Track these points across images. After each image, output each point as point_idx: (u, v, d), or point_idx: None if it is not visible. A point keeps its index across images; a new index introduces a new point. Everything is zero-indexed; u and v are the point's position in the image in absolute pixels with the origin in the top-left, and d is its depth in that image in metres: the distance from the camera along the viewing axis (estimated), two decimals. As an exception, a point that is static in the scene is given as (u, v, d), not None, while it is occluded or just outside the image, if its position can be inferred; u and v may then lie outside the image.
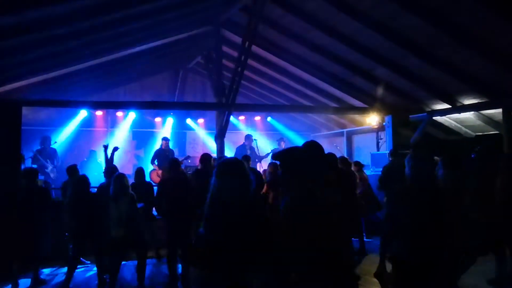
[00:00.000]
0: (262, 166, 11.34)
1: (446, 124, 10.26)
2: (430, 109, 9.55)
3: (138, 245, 5.93)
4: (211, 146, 13.50)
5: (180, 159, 8.83)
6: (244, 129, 14.63)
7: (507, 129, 7.95)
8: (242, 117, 14.54)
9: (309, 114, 14.08)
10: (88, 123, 12.80)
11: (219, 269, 2.73)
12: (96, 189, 6.79)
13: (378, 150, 11.92)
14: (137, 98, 13.01)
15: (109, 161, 7.46)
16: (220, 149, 9.60)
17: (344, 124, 13.77)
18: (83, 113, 12.30)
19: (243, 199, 2.81)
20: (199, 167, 7.65)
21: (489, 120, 9.24)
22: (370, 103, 10.25)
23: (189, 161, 11.12)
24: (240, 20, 9.18)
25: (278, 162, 3.32)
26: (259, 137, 13.27)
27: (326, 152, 3.82)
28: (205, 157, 7.19)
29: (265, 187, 7.73)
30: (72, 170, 7.17)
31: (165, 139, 11.21)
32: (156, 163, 10.96)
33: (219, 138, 9.65)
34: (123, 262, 6.22)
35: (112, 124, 13.21)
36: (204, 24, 9.59)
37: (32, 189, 6.25)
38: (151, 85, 13.60)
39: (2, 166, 6.90)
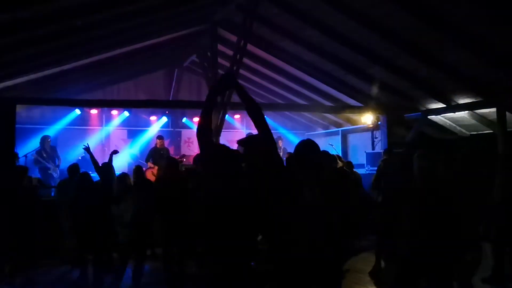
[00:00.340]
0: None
1: (441, 123, 10.28)
2: (425, 108, 9.58)
3: (137, 245, 5.90)
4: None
5: (176, 158, 8.80)
6: (240, 128, 14.65)
7: (501, 129, 7.99)
8: (237, 116, 14.54)
9: (305, 113, 14.09)
10: (82, 122, 12.75)
11: None
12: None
13: (373, 149, 11.95)
14: (132, 97, 12.98)
15: (95, 161, 7.31)
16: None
17: (339, 123, 13.79)
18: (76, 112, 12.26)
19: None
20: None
21: (483, 120, 9.27)
22: (365, 102, 10.27)
23: (184, 159, 11.09)
24: (235, 19, 9.17)
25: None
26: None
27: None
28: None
29: None
30: (73, 169, 7.14)
31: (159, 137, 11.18)
32: (151, 162, 10.92)
33: (215, 137, 9.62)
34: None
35: (106, 122, 13.17)
36: (199, 22, 9.58)
37: (19, 188, 6.20)
38: (146, 83, 13.55)
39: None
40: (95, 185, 6.26)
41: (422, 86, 8.66)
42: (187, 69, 13.63)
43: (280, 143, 12.01)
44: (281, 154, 11.30)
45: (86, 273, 5.99)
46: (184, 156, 11.04)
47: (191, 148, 13.72)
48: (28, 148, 10.71)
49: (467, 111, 9.01)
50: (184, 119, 13.88)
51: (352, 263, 6.25)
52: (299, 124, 15.22)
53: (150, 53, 10.74)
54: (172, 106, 12.90)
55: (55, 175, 10.31)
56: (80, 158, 11.63)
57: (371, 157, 10.95)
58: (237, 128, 14.71)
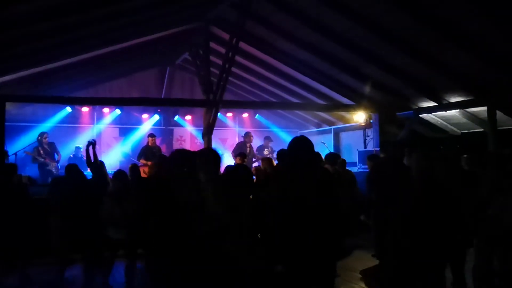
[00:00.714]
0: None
1: (432, 121, 10.36)
2: (416, 107, 9.64)
3: (129, 244, 5.86)
4: (199, 143, 13.51)
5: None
6: (232, 126, 14.62)
7: (491, 127, 8.06)
8: (230, 114, 14.51)
9: (297, 111, 14.10)
10: (73, 119, 12.67)
11: None
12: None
13: (365, 147, 11.99)
14: (124, 95, 12.90)
15: (89, 157, 7.18)
16: (208, 146, 9.56)
17: (332, 121, 13.83)
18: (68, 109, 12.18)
19: None
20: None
21: (474, 118, 9.35)
22: (358, 100, 10.30)
23: None
24: (228, 17, 9.14)
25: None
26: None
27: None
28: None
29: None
30: (71, 169, 7.09)
31: (151, 135, 11.13)
32: (143, 160, 10.87)
33: (207, 135, 9.61)
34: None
35: (98, 120, 13.09)
36: (192, 20, 9.54)
37: (7, 185, 6.13)
38: (138, 81, 13.48)
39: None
40: (87, 183, 6.22)
41: (414, 85, 8.70)
42: (180, 67, 13.58)
43: (269, 143, 11.98)
44: (269, 154, 11.32)
45: (69, 272, 5.96)
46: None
47: (183, 146, 13.67)
48: (18, 145, 10.62)
49: (458, 110, 9.09)
50: (176, 117, 13.82)
51: (344, 261, 6.27)
52: (292, 122, 15.23)
53: (143, 50, 10.68)
54: (164, 104, 12.85)
55: (54, 171, 10.25)
56: (71, 156, 11.56)
57: (363, 155, 10.98)
58: (229, 126, 14.69)
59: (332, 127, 13.81)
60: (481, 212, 4.45)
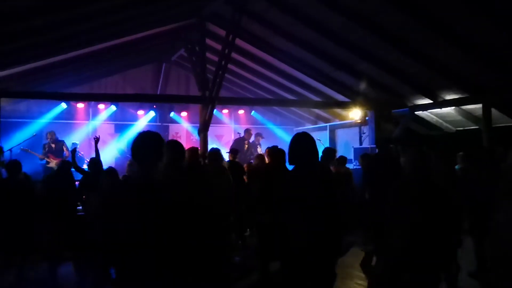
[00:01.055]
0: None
1: (428, 119, 10.40)
2: (412, 104, 9.67)
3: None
4: (195, 139, 13.50)
5: None
6: (228, 123, 14.63)
7: (486, 125, 8.10)
8: (226, 111, 14.52)
9: (293, 108, 14.11)
10: (69, 116, 12.62)
11: None
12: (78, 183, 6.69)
13: (361, 144, 12.02)
14: (120, 91, 12.89)
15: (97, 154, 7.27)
16: (204, 142, 9.55)
17: (327, 118, 13.85)
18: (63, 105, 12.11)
19: None
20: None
21: (469, 116, 9.39)
22: (353, 97, 10.32)
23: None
24: (224, 13, 9.12)
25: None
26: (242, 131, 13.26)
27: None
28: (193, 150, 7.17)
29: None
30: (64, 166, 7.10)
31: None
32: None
33: (203, 132, 9.60)
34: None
35: (93, 116, 13.04)
36: (188, 16, 9.51)
37: (12, 182, 6.11)
38: (134, 77, 13.44)
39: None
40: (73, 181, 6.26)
41: (410, 82, 8.72)
42: (175, 63, 13.55)
43: (259, 139, 11.96)
44: (259, 150, 11.33)
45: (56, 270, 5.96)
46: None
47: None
48: (13, 142, 10.57)
49: (453, 107, 9.12)
50: (172, 114, 13.80)
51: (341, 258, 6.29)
52: (288, 119, 15.25)
53: (138, 47, 10.64)
54: (160, 100, 12.82)
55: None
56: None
57: (359, 153, 11.00)
58: (225, 123, 14.69)
59: (327, 124, 13.84)
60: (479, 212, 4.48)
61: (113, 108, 12.87)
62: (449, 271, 4.42)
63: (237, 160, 8.10)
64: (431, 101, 9.05)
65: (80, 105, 12.64)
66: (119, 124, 13.39)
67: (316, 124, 14.53)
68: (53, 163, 10.29)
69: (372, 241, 5.93)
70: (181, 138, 14.04)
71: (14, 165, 6.29)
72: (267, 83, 12.23)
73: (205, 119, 9.49)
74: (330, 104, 11.40)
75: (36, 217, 6.49)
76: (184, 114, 13.92)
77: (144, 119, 13.53)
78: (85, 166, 9.76)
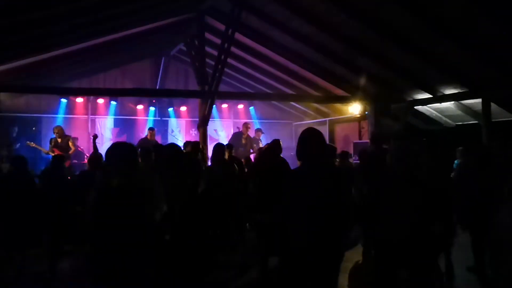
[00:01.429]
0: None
1: (427, 113, 10.40)
2: (411, 99, 9.66)
3: None
4: (194, 134, 13.49)
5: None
6: (227, 118, 14.61)
7: (485, 119, 8.10)
8: (225, 105, 14.49)
9: (292, 103, 14.09)
10: (68, 110, 12.59)
11: None
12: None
13: (360, 139, 12.02)
14: (119, 85, 12.86)
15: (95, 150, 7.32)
16: (203, 137, 9.55)
17: (326, 113, 13.84)
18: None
19: None
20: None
21: (468, 110, 9.39)
22: (352, 92, 10.30)
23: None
24: (223, 7, 9.09)
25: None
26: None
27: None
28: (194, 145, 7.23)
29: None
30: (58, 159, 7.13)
31: (151, 129, 11.12)
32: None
33: (202, 126, 9.60)
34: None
35: (93, 111, 13.02)
36: (187, 10, 9.48)
37: (17, 177, 6.11)
38: (133, 72, 13.41)
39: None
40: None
41: (409, 77, 8.71)
42: (175, 57, 13.51)
43: (260, 135, 11.94)
44: (260, 145, 11.30)
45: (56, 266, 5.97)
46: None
47: (178, 137, 13.65)
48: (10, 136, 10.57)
49: (453, 102, 9.11)
50: (171, 108, 13.77)
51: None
52: (287, 113, 15.23)
53: (137, 41, 10.61)
54: (159, 95, 12.80)
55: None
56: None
57: (359, 147, 11.01)
58: (224, 118, 14.68)
59: (327, 118, 13.82)
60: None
61: (112, 102, 12.85)
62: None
63: (233, 154, 8.08)
64: (431, 96, 9.04)
65: (79, 100, 12.61)
66: (118, 119, 13.37)
67: (315, 118, 14.51)
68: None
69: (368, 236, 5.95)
70: (180, 133, 14.04)
71: (19, 160, 6.28)
72: (266, 77, 12.21)
73: (204, 114, 9.48)
74: (330, 98, 11.39)
75: (37, 212, 6.51)
76: (183, 108, 13.90)
77: (143, 114, 13.50)
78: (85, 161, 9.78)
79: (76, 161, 10.52)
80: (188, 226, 3.10)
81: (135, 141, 11.15)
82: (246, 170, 7.90)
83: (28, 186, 6.05)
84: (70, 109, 12.62)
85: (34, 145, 10.26)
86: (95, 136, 7.73)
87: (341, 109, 12.66)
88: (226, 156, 7.69)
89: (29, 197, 5.96)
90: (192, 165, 6.37)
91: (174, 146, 3.86)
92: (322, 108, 13.66)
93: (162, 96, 12.88)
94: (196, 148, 7.33)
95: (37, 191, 6.26)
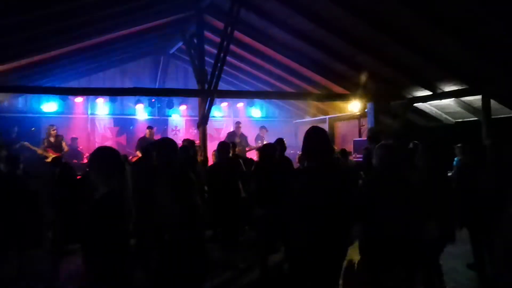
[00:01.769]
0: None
1: (427, 110, 10.38)
2: (411, 96, 9.64)
3: None
4: (194, 132, 13.48)
5: None
6: (227, 116, 14.60)
7: (485, 116, 8.08)
8: (225, 104, 14.48)
9: (292, 101, 14.08)
10: (67, 110, 12.58)
11: None
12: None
13: (360, 136, 12.01)
14: (118, 84, 12.84)
15: None
16: (203, 135, 9.54)
17: (326, 111, 13.83)
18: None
19: None
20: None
21: (468, 107, 9.37)
22: (352, 90, 10.28)
23: None
24: (222, 5, 9.06)
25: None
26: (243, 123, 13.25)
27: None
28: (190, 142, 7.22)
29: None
30: (55, 161, 7.15)
31: (149, 127, 11.12)
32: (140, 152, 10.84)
33: (202, 125, 9.58)
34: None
35: (92, 110, 13.01)
36: (186, 9, 9.45)
37: (11, 177, 6.10)
38: (132, 71, 13.40)
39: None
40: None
41: (409, 74, 8.69)
42: (174, 56, 13.49)
43: (264, 132, 11.94)
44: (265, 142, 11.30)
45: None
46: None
47: (178, 136, 13.64)
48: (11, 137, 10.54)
49: (452, 99, 9.10)
50: (170, 107, 13.74)
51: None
52: (286, 112, 15.22)
53: (136, 40, 10.59)
54: (158, 94, 12.77)
55: None
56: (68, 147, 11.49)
57: (359, 145, 11.01)
58: (224, 116, 14.67)
59: (327, 116, 13.81)
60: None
61: (111, 102, 12.83)
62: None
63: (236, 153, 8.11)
64: (431, 93, 9.02)
65: (78, 99, 12.59)
66: (118, 118, 13.36)
67: (315, 116, 14.50)
68: (50, 158, 10.29)
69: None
70: (180, 132, 14.04)
71: (13, 159, 6.27)
72: (266, 75, 12.18)
73: (204, 112, 9.46)
74: (329, 96, 11.36)
75: (37, 211, 6.50)
76: (183, 107, 13.88)
77: (143, 113, 13.49)
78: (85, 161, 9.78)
79: (76, 161, 10.51)
80: (188, 225, 3.08)
81: (134, 140, 11.16)
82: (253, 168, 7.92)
83: (17, 185, 6.04)
84: (69, 108, 12.62)
85: (29, 145, 10.27)
86: None
87: (340, 106, 12.65)
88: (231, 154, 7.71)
89: (19, 197, 5.96)
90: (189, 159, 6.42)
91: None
92: (322, 105, 13.64)
93: (162, 95, 12.86)
94: (190, 143, 7.40)
95: (28, 191, 6.26)
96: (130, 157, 10.84)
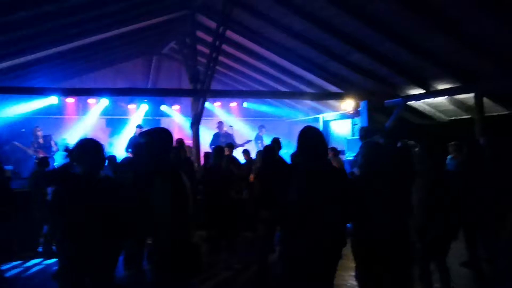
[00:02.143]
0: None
1: (420, 109, 10.39)
2: (405, 94, 9.64)
3: None
4: (187, 133, 13.41)
5: None
6: (221, 116, 14.53)
7: (478, 114, 8.10)
8: (218, 103, 14.42)
9: (285, 100, 14.05)
10: (59, 111, 12.46)
11: None
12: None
13: (353, 135, 12.00)
14: (110, 85, 12.73)
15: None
16: (196, 135, 9.49)
17: (320, 110, 13.81)
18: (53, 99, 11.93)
19: None
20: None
21: (461, 105, 9.39)
22: (345, 88, 10.28)
23: None
24: (215, 5, 9.01)
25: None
26: (236, 123, 13.22)
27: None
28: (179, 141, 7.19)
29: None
30: (42, 162, 7.08)
31: (139, 126, 11.04)
32: (130, 151, 10.77)
33: (195, 125, 9.54)
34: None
35: (84, 111, 12.90)
36: (178, 8, 9.40)
37: None
38: (125, 71, 13.31)
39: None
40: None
41: (402, 72, 8.68)
42: (166, 56, 13.42)
43: (264, 131, 11.92)
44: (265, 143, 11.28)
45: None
46: None
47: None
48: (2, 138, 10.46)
49: (446, 97, 9.10)
50: (163, 107, 13.68)
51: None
52: (280, 111, 15.18)
53: (128, 39, 10.51)
54: (151, 94, 12.71)
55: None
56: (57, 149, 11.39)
57: (352, 144, 10.99)
58: (217, 116, 14.60)
59: (320, 115, 13.79)
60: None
61: (104, 102, 12.73)
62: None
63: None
64: (424, 91, 9.03)
65: (70, 100, 12.49)
66: (110, 119, 13.26)
67: (308, 115, 14.48)
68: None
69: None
70: (173, 131, 13.93)
71: None
72: (259, 75, 12.15)
73: (197, 112, 9.42)
74: (323, 95, 11.35)
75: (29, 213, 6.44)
76: (176, 107, 13.81)
77: (136, 113, 13.40)
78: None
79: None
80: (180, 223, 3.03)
81: (126, 141, 11.07)
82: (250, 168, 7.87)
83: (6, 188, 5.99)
84: (60, 109, 12.50)
85: (20, 145, 10.19)
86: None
87: (334, 105, 12.64)
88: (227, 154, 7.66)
89: (8, 199, 5.90)
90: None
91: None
92: (316, 104, 13.62)
93: (154, 95, 12.79)
94: (179, 142, 7.41)
95: (11, 192, 6.20)
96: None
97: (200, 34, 10.16)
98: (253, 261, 5.83)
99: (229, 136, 11.65)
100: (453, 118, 10.28)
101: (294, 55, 9.75)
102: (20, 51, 8.10)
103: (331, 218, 3.19)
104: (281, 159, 5.87)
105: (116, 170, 6.33)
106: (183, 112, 13.78)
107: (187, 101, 11.52)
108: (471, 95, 8.34)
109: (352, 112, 10.94)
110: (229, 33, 9.08)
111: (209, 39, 9.92)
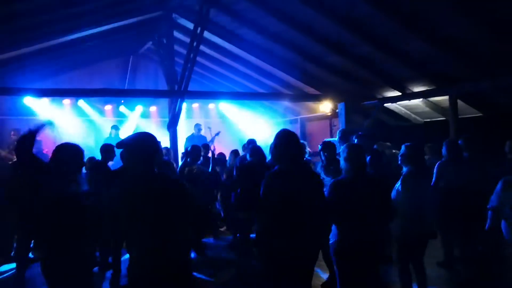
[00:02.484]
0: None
1: (397, 111, 10.52)
2: (381, 96, 9.75)
3: None
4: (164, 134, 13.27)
5: None
6: (198, 117, 14.43)
7: (453, 116, 8.24)
8: (195, 105, 14.31)
9: (264, 101, 14.04)
10: (32, 112, 12.14)
11: None
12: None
13: (331, 137, 12.07)
14: (86, 85, 12.47)
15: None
16: (173, 137, 9.39)
17: (298, 111, 13.86)
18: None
19: None
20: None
21: (436, 107, 9.54)
22: (323, 90, 10.33)
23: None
24: (192, 5, 8.94)
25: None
26: (214, 125, 13.12)
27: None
28: None
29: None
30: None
31: (114, 127, 10.87)
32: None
33: (172, 127, 9.43)
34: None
35: (58, 112, 12.59)
36: (155, 8, 9.28)
37: None
38: (101, 71, 13.06)
39: None
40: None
41: (379, 75, 8.78)
42: (143, 56, 13.25)
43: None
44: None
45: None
46: None
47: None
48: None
49: (421, 99, 9.24)
50: (139, 108, 13.49)
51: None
52: (258, 112, 15.17)
53: (104, 39, 10.33)
54: (127, 95, 12.51)
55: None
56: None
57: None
58: (195, 117, 14.49)
59: (298, 117, 13.85)
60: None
61: (79, 103, 12.49)
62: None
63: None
64: (400, 93, 9.15)
65: (44, 101, 12.17)
66: (86, 120, 13.01)
67: (286, 117, 14.51)
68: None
69: None
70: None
71: None
72: (237, 76, 12.11)
73: (174, 114, 9.32)
74: (301, 97, 11.38)
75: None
76: (153, 108, 13.65)
77: (112, 114, 13.19)
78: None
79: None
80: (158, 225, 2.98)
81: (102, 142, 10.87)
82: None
83: None
84: (33, 111, 12.18)
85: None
86: None
87: (312, 107, 12.70)
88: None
89: None
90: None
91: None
92: (294, 106, 13.66)
93: (131, 96, 12.59)
94: None
95: None
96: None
97: (177, 34, 10.06)
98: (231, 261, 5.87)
99: (203, 138, 11.50)
100: (428, 120, 10.44)
101: (272, 56, 9.75)
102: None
103: (308, 219, 3.20)
104: (258, 161, 5.85)
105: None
106: (160, 113, 13.61)
107: (165, 102, 11.39)
108: (446, 97, 8.48)
109: (330, 113, 11.01)
110: (207, 34, 9.01)
111: (186, 39, 9.83)
